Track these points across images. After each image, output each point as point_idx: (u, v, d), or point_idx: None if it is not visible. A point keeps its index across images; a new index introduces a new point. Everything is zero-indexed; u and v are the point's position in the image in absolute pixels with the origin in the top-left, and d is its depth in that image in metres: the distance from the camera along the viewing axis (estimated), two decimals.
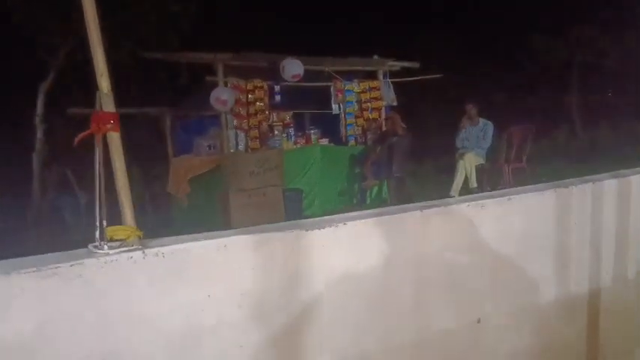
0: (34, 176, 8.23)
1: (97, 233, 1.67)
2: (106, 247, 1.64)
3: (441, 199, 7.31)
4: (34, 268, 1.51)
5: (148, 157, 9.82)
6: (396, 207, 2.32)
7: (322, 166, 8.73)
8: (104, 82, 1.68)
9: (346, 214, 2.19)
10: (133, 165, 10.05)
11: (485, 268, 2.44)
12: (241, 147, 8.13)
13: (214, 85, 7.85)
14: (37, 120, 8.42)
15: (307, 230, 1.97)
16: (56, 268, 1.54)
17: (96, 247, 1.66)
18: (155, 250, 1.68)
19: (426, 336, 2.31)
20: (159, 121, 9.47)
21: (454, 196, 8.14)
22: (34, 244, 7.46)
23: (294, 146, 8.79)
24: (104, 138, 1.68)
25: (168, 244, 1.72)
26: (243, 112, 8.13)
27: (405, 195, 8.66)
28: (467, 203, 2.35)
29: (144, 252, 1.66)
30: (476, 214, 2.37)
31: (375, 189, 8.89)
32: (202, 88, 8.22)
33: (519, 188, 2.70)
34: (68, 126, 10.07)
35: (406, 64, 9.64)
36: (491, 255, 2.45)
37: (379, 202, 8.74)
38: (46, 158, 8.41)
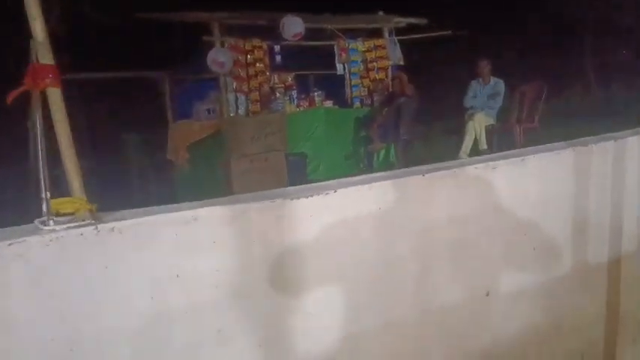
0: (30, 144, 8.00)
1: (43, 207, 1.44)
2: (52, 222, 1.41)
3: (450, 161, 7.05)
4: None
5: (147, 123, 9.58)
6: (396, 171, 2.06)
7: (327, 130, 8.45)
8: (38, 28, 1.42)
9: (338, 180, 1.95)
10: (132, 131, 9.83)
11: (496, 236, 2.19)
12: (242, 111, 7.85)
13: (211, 46, 7.53)
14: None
15: (292, 199, 1.72)
16: None
17: (43, 222, 1.43)
18: (110, 225, 1.45)
19: (429, 311, 2.09)
20: (157, 85, 9.18)
21: (463, 158, 7.87)
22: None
23: (297, 109, 8.49)
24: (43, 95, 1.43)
25: (127, 218, 1.49)
26: (242, 74, 7.82)
27: (413, 158, 8.38)
28: (476, 165, 2.09)
29: (97, 227, 1.43)
30: (486, 177, 2.11)
31: (382, 152, 8.62)
32: (200, 49, 7.89)
33: (534, 148, 2.43)
34: (64, 92, 9.84)
35: (413, 20, 9.22)
36: (502, 222, 2.20)
37: (387, 166, 8.48)
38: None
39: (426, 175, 1.98)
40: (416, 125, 9.02)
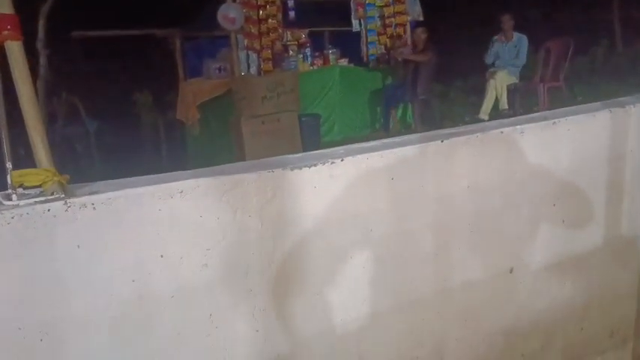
0: (40, 105, 7.85)
1: (8, 178, 1.26)
2: (14, 197, 1.23)
3: (469, 123, 6.77)
4: None
5: (158, 81, 9.37)
6: (411, 136, 1.84)
7: (342, 89, 8.17)
8: None
9: (346, 147, 1.74)
10: (144, 90, 9.63)
11: (522, 207, 1.99)
12: (253, 69, 7.59)
13: (223, 1, 7.22)
14: (40, 45, 7.93)
15: (293, 169, 1.53)
16: None
17: (6, 195, 1.25)
18: (82, 199, 1.27)
19: (449, 288, 1.90)
20: (167, 43, 8.91)
21: (484, 119, 7.57)
22: None
23: (311, 67, 8.20)
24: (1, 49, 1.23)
25: (102, 192, 1.30)
26: (254, 30, 7.53)
27: (431, 119, 8.10)
28: (501, 129, 1.87)
29: (66, 202, 1.25)
30: (513, 143, 1.89)
31: (400, 112, 8.34)
32: (210, 5, 7.59)
33: (566, 109, 2.19)
34: (73, 51, 9.62)
35: None
36: (529, 192, 1.99)
37: (404, 127, 8.22)
38: (52, 86, 8.01)
39: (445, 142, 1.77)
40: (434, 84, 8.70)
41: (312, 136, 7.57)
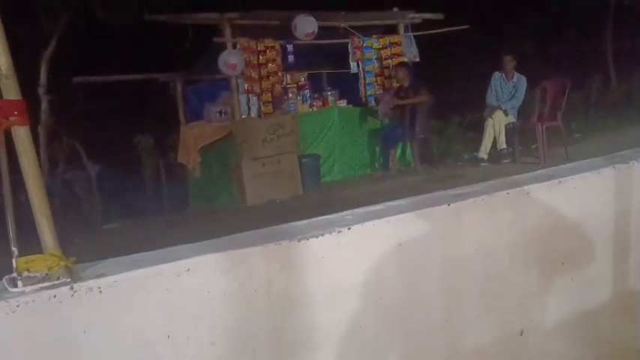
0: (42, 150, 7.89)
1: (14, 262, 1.24)
2: (20, 283, 1.21)
3: (469, 160, 6.74)
4: None
5: (159, 125, 9.43)
6: (418, 198, 1.84)
7: (341, 130, 8.23)
8: (2, 60, 1.21)
9: (352, 212, 1.73)
10: (145, 133, 9.68)
11: (531, 268, 1.97)
12: (254, 112, 7.64)
13: (223, 47, 7.33)
14: (41, 91, 8.02)
15: (300, 240, 1.51)
16: None
17: (12, 280, 1.24)
18: (88, 283, 1.25)
19: (459, 353, 1.87)
20: (169, 87, 9.01)
21: (483, 158, 7.60)
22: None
23: (310, 109, 8.27)
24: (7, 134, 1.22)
25: (109, 274, 1.28)
26: (254, 74, 7.60)
27: (430, 157, 8.13)
28: (507, 190, 1.87)
29: (72, 287, 1.23)
30: (519, 204, 1.89)
31: (399, 151, 8.37)
32: (211, 50, 7.70)
33: (571, 166, 2.19)
34: (75, 96, 9.71)
35: (429, 15, 8.93)
36: (537, 252, 1.97)
37: (403, 166, 8.24)
38: (53, 131, 8.05)
39: (452, 205, 1.76)
40: (431, 122, 8.77)
41: (313, 177, 7.60)
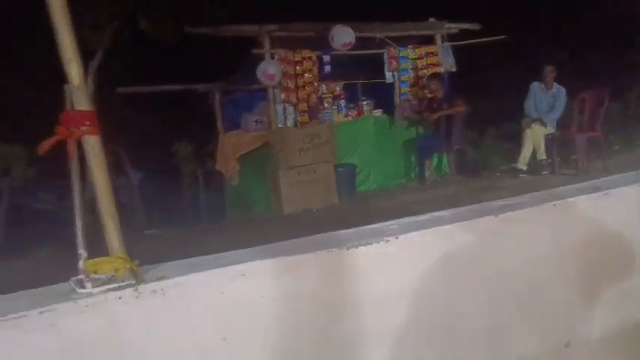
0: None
1: (80, 264, 1.31)
2: (88, 285, 1.28)
3: (507, 171, 6.66)
4: None
5: (198, 134, 9.62)
6: (465, 209, 1.86)
7: (376, 139, 8.25)
8: (74, 72, 1.30)
9: (398, 221, 1.76)
10: (185, 142, 9.89)
11: (576, 280, 1.96)
12: (290, 122, 7.73)
13: (261, 58, 7.45)
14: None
15: (349, 248, 1.55)
16: (21, 317, 1.19)
17: (79, 282, 1.31)
18: (152, 285, 1.31)
19: None
20: (208, 97, 9.21)
21: (522, 169, 7.51)
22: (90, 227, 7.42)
23: (346, 119, 8.32)
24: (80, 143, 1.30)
25: (169, 277, 1.35)
26: (291, 85, 7.71)
27: (466, 168, 8.08)
28: (554, 202, 1.87)
29: (137, 289, 1.29)
30: (565, 216, 1.89)
31: (435, 162, 8.34)
32: (250, 61, 7.84)
33: (614, 178, 2.18)
34: (119, 105, 9.98)
35: (465, 26, 8.90)
36: (582, 264, 1.97)
37: (439, 177, 8.21)
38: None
39: (499, 216, 1.77)
40: (468, 133, 8.72)
41: (348, 186, 7.63)
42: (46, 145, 1.31)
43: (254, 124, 7.74)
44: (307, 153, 7.18)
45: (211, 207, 8.75)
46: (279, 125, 7.60)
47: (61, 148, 1.33)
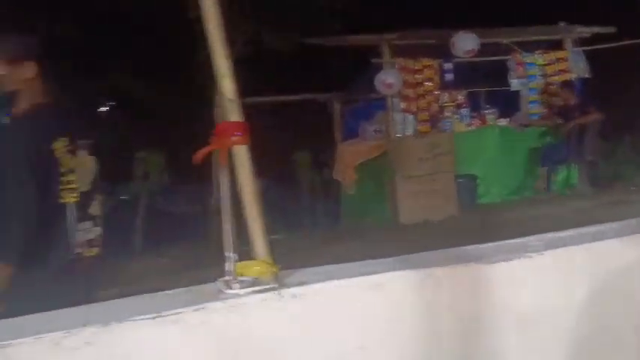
0: (215, 165, 8.64)
1: (227, 266, 1.38)
2: (237, 286, 1.34)
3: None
4: (154, 314, 1.26)
5: (316, 143, 9.84)
6: (612, 225, 1.73)
7: (500, 149, 7.94)
8: (227, 85, 1.37)
9: (540, 237, 1.68)
10: (303, 151, 10.17)
11: None
12: (409, 131, 7.68)
13: (380, 67, 7.49)
14: (218, 112, 8.80)
15: (489, 263, 1.50)
16: (178, 313, 1.27)
17: (226, 283, 1.38)
18: (293, 290, 1.35)
19: None
20: (326, 106, 9.40)
21: None
22: (217, 230, 7.88)
23: (468, 128, 8.10)
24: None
25: (310, 282, 1.38)
26: (411, 93, 7.66)
27: (597, 180, 7.54)
28: None
29: (279, 292, 1.34)
30: None
31: (563, 173, 7.87)
32: (368, 70, 7.90)
33: None
34: (248, 115, 10.49)
35: (598, 29, 8.34)
36: None
37: (568, 190, 7.73)
38: None
39: None
40: (602, 144, 8.13)
41: (468, 198, 7.42)
42: (200, 154, 1.39)
43: (372, 133, 7.79)
44: (427, 163, 7.08)
45: (328, 214, 8.89)
46: (398, 134, 7.57)
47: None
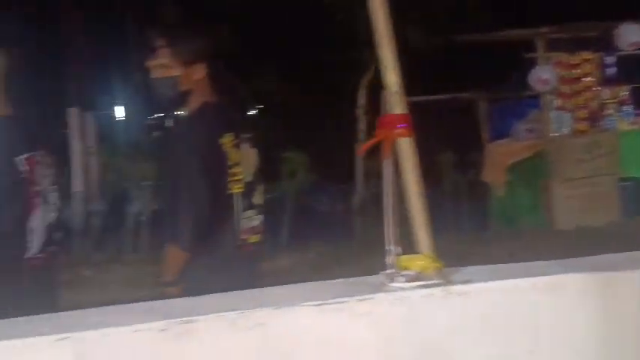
0: (358, 165, 8.79)
1: (388, 260, 1.38)
2: (401, 279, 1.34)
3: None
4: (320, 301, 1.30)
5: (462, 143, 9.56)
6: None
7: None
8: (392, 78, 1.38)
9: None
10: (448, 152, 9.94)
11: None
12: (565, 130, 7.18)
13: (533, 63, 7.09)
14: (360, 112, 8.95)
15: None
16: (343, 302, 1.29)
17: (389, 276, 1.38)
18: (460, 287, 1.31)
19: None
20: (472, 106, 9.10)
21: None
22: (360, 227, 8.03)
23: (633, 127, 7.39)
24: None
25: (476, 281, 1.33)
26: (567, 90, 7.16)
27: None
28: None
29: (445, 289, 1.31)
30: None
31: None
32: (520, 67, 7.52)
33: None
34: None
35: None
36: None
37: None
38: (369, 148, 8.84)
39: None
40: None
41: (633, 204, 6.79)
42: (365, 147, 1.42)
43: (525, 132, 7.40)
44: (586, 164, 6.59)
45: (475, 217, 8.60)
46: (554, 134, 7.11)
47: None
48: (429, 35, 9.07)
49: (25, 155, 2.08)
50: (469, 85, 9.30)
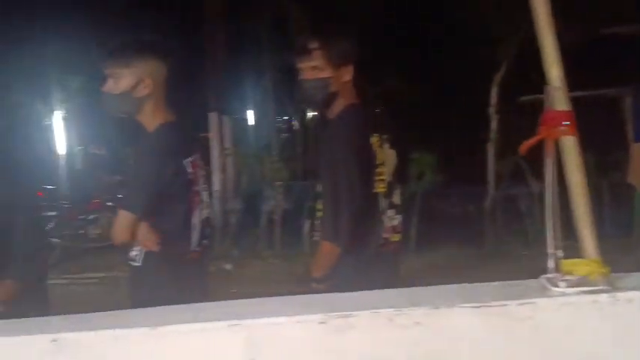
0: (489, 166, 8.54)
1: (550, 263, 1.34)
2: (563, 284, 1.29)
3: None
4: (479, 303, 1.29)
5: (604, 143, 8.91)
6: None
7: None
8: (555, 73, 1.33)
9: None
10: (589, 151, 9.31)
11: None
12: None
13: None
14: (492, 111, 8.67)
15: None
16: (503, 305, 1.28)
17: (550, 280, 1.33)
18: (629, 294, 1.24)
19: None
20: (616, 102, 8.44)
21: None
22: (490, 230, 7.78)
23: None
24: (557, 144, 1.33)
25: None
26: None
27: None
28: None
29: (613, 295, 1.24)
30: None
31: None
32: None
33: None
34: (521, 115, 10.07)
35: None
36: None
37: None
38: (501, 148, 8.56)
39: None
40: None
41: None
42: (527, 145, 1.38)
43: None
44: None
45: (617, 221, 7.98)
46: None
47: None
48: (569, 27, 8.55)
49: (190, 158, 2.29)
50: (613, 80, 8.64)
